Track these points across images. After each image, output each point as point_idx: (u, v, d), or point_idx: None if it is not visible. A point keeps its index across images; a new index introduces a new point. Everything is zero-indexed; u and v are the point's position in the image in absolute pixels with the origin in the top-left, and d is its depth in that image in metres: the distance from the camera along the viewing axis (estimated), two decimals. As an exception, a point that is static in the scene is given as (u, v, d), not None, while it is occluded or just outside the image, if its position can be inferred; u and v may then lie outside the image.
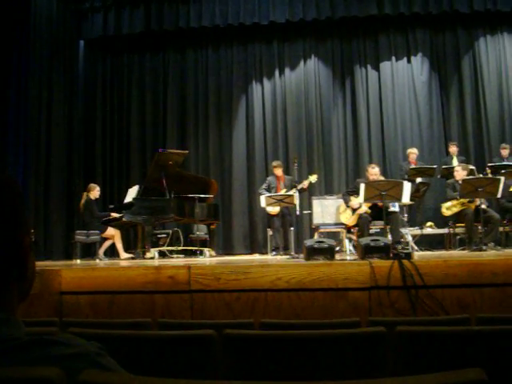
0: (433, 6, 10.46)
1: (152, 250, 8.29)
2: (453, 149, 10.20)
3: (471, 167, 9.02)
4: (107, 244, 8.98)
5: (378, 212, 7.57)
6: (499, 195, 7.23)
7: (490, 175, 8.58)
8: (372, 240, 5.29)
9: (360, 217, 7.82)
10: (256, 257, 9.64)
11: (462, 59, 11.30)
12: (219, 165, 11.50)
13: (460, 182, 7.69)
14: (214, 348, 2.23)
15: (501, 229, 8.13)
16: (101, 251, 8.83)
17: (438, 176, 9.85)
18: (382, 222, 7.64)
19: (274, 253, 8.95)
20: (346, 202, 8.07)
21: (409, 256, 4.71)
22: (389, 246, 5.18)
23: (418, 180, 9.39)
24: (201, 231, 9.94)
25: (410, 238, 8.55)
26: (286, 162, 11.00)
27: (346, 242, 8.63)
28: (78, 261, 8.38)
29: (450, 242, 8.82)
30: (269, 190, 9.30)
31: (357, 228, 8.01)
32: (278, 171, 9.39)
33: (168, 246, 9.74)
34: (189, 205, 8.49)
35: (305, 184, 8.89)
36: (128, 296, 4.65)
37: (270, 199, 8.44)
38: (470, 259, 4.61)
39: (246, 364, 2.22)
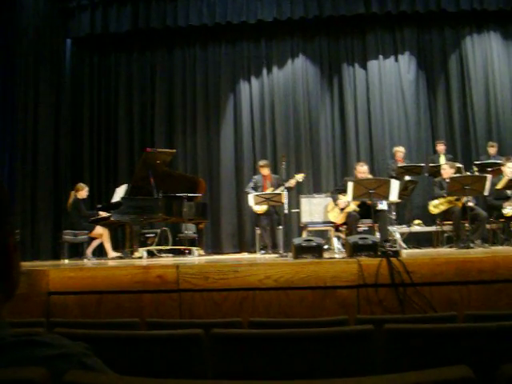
0: (420, 5, 10.49)
1: (140, 249, 8.26)
2: (440, 147, 10.24)
3: (458, 165, 9.07)
4: (95, 244, 8.94)
5: (366, 210, 7.60)
6: (486, 193, 7.28)
7: (476, 173, 8.64)
8: (360, 238, 5.30)
9: (348, 215, 7.84)
10: (244, 256, 9.63)
11: (449, 58, 11.36)
12: (207, 163, 11.48)
13: (447, 180, 7.73)
14: (202, 347, 2.23)
15: (488, 226, 8.18)
16: (89, 251, 8.79)
17: (426, 174, 9.89)
18: (370, 220, 7.68)
19: (262, 251, 8.94)
20: (335, 201, 8.09)
21: (397, 254, 4.73)
22: (377, 244, 5.19)
23: (406, 178, 9.42)
24: (189, 230, 9.92)
25: (398, 236, 8.59)
26: (274, 161, 11.01)
27: (335, 240, 8.64)
28: (66, 261, 8.33)
29: (437, 240, 8.86)
30: (255, 188, 9.29)
31: (345, 226, 8.03)
32: (265, 170, 9.38)
33: (156, 245, 9.71)
34: (177, 204, 8.47)
35: (291, 183, 8.88)
36: (116, 296, 4.63)
37: (258, 198, 8.43)
38: (457, 257, 4.64)
39: (234, 363, 2.21)
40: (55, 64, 10.70)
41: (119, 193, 8.66)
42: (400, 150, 10.02)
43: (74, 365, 0.96)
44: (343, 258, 5.40)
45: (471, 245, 7.05)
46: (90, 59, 11.80)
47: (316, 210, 8.84)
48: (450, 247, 7.95)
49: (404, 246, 8.48)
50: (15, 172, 9.76)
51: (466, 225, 7.59)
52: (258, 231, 9.32)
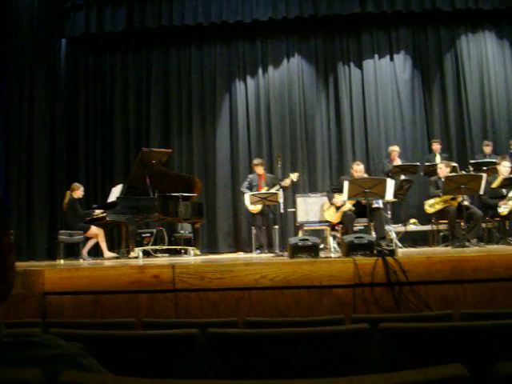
0: (415, 4, 10.51)
1: (136, 249, 8.25)
2: (436, 146, 10.26)
3: (454, 164, 9.09)
4: (91, 244, 8.92)
5: (362, 209, 7.61)
6: (481, 192, 7.30)
7: (472, 172, 8.66)
8: (356, 237, 5.30)
9: (344, 214, 7.85)
10: (240, 255, 9.63)
11: (444, 57, 11.38)
12: (203, 163, 11.48)
13: (443, 179, 7.75)
14: (198, 347, 2.23)
15: (483, 225, 8.19)
16: (84, 251, 8.77)
17: (421, 173, 9.91)
18: (366, 220, 7.68)
19: (258, 251, 8.94)
20: (330, 200, 8.09)
21: (392, 253, 4.73)
22: (373, 244, 5.20)
23: (402, 177, 9.43)
24: (185, 230, 9.91)
25: (393, 235, 8.60)
26: (270, 160, 11.02)
27: (331, 239, 8.65)
28: (62, 261, 8.31)
29: (433, 239, 8.88)
30: (250, 188, 9.30)
31: (341, 225, 8.04)
32: (259, 169, 9.37)
33: (152, 245, 9.70)
34: (173, 204, 8.47)
35: (286, 182, 8.89)
36: (112, 296, 4.62)
37: (254, 197, 8.43)
38: (452, 256, 4.64)
39: (230, 363, 2.21)
40: (50, 64, 10.67)
41: (115, 192, 8.65)
42: (395, 150, 10.04)
43: (69, 365, 0.96)
44: (339, 257, 5.40)
45: (466, 244, 7.06)
46: (85, 59, 11.77)
47: (312, 209, 8.84)
48: (446, 246, 7.97)
49: (400, 245, 8.49)
50: (10, 172, 9.73)
51: (462, 224, 7.61)
52: (254, 231, 9.32)
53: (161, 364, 2.22)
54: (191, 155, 11.51)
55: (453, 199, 7.69)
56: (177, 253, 9.23)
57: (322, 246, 7.87)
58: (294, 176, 9.04)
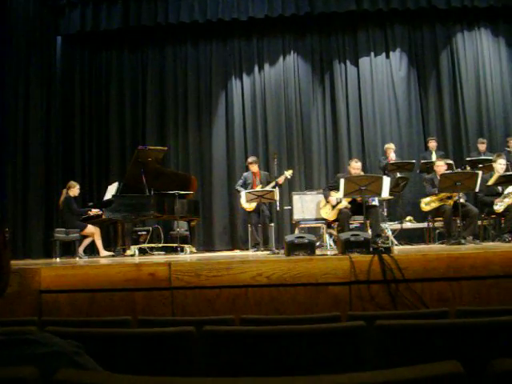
0: (411, 2, 10.53)
1: (132, 247, 8.25)
2: (432, 144, 10.28)
3: (449, 162, 9.10)
4: (87, 242, 8.91)
5: (358, 207, 7.61)
6: (477, 189, 7.31)
7: (468, 169, 8.67)
8: (352, 235, 5.30)
9: (340, 211, 7.85)
10: (237, 253, 9.64)
11: (440, 55, 11.40)
12: (199, 161, 11.48)
13: (439, 176, 7.76)
14: (194, 345, 2.23)
15: (479, 222, 8.21)
16: (80, 249, 8.76)
17: (417, 171, 9.93)
18: (362, 217, 7.69)
19: (254, 249, 8.95)
20: (326, 197, 8.10)
21: (388, 250, 4.73)
22: (369, 241, 5.20)
23: (397, 175, 9.45)
24: (181, 228, 9.90)
25: (389, 233, 8.61)
26: (266, 158, 11.03)
27: (327, 237, 8.66)
28: (58, 259, 8.30)
29: (429, 236, 8.89)
30: (245, 186, 9.31)
31: (337, 223, 8.05)
32: (254, 167, 9.38)
33: (148, 243, 9.70)
34: (169, 201, 8.47)
35: (280, 179, 8.89)
36: (108, 294, 4.62)
37: (250, 195, 8.43)
38: (449, 253, 4.64)
39: (226, 360, 2.21)
40: (45, 62, 10.65)
41: (111, 191, 8.64)
42: (391, 147, 10.06)
43: (65, 363, 0.96)
44: (335, 254, 5.40)
45: (462, 241, 7.08)
46: (81, 57, 11.75)
47: (308, 206, 8.85)
48: (442, 243, 7.98)
49: (396, 242, 8.50)
50: (6, 170, 9.71)
51: (458, 221, 7.62)
52: (250, 228, 9.33)
53: (157, 362, 2.22)
54: (187, 153, 11.51)
55: (449, 198, 7.71)
56: (173, 251, 9.23)
57: (318, 243, 7.89)
58: (289, 173, 9.05)
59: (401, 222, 9.29)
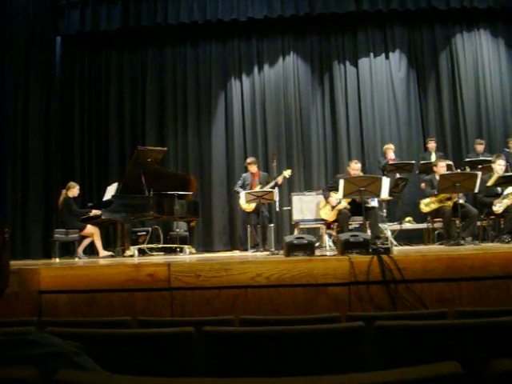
0: (410, 3, 10.54)
1: (131, 247, 8.25)
2: (431, 144, 10.28)
3: (449, 162, 9.10)
4: (86, 242, 8.91)
5: (357, 207, 7.61)
6: (476, 190, 7.31)
7: (468, 170, 8.68)
8: (351, 235, 5.30)
9: (340, 212, 7.85)
10: (236, 253, 9.63)
11: (440, 55, 11.40)
12: (198, 161, 11.47)
13: (438, 177, 7.77)
14: (194, 345, 2.23)
15: (478, 223, 8.21)
16: (80, 249, 8.76)
17: (417, 172, 9.93)
18: (361, 218, 7.69)
19: (253, 249, 8.95)
20: (326, 198, 8.10)
21: (388, 251, 4.73)
22: (368, 242, 5.20)
23: (397, 175, 9.45)
24: (180, 228, 9.90)
25: (389, 233, 8.61)
26: (265, 159, 11.03)
27: (326, 237, 8.67)
28: (57, 259, 8.30)
29: (428, 237, 8.90)
30: (243, 186, 9.32)
31: (336, 224, 8.04)
32: (253, 168, 9.38)
33: (148, 243, 9.69)
34: (168, 202, 8.47)
35: (279, 179, 8.89)
36: (108, 294, 4.62)
37: (249, 196, 8.43)
38: (448, 254, 4.65)
39: (225, 361, 2.21)
40: (45, 62, 10.65)
41: (110, 191, 8.64)
42: (390, 147, 10.06)
43: (64, 364, 0.96)
44: (334, 255, 5.40)
45: (461, 242, 7.08)
46: (81, 57, 11.75)
47: (307, 207, 8.85)
48: (441, 244, 7.98)
49: (395, 243, 8.50)
50: (6, 170, 9.70)
51: (457, 222, 7.63)
52: (249, 229, 9.33)
53: (156, 362, 2.22)
54: (186, 154, 11.51)
55: (448, 199, 7.71)
56: (172, 251, 9.23)
57: (317, 244, 7.89)
58: (287, 172, 9.06)
59: (400, 223, 9.30)
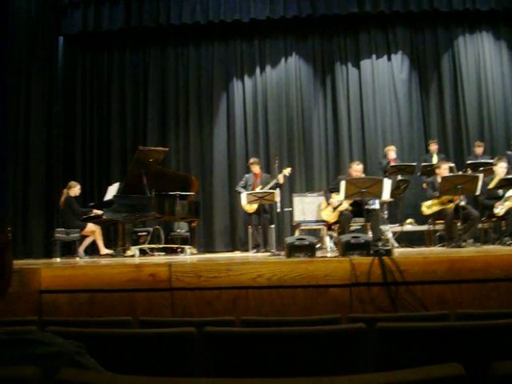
0: (413, 5, 10.54)
1: (132, 247, 8.25)
2: (433, 147, 10.27)
3: (451, 164, 9.09)
4: (87, 242, 8.91)
5: (358, 209, 7.61)
6: (478, 192, 7.31)
7: (470, 172, 8.67)
8: (352, 237, 5.30)
9: (341, 214, 7.84)
10: (237, 254, 9.64)
11: (442, 58, 11.40)
12: (200, 162, 11.47)
13: (439, 179, 7.76)
14: (195, 346, 2.23)
15: (479, 225, 8.21)
16: (81, 249, 8.76)
17: (418, 173, 9.92)
18: (362, 219, 7.69)
19: (254, 250, 8.94)
20: (327, 200, 8.09)
21: (389, 253, 4.73)
22: (369, 243, 5.19)
23: (398, 177, 9.44)
24: (182, 229, 9.91)
25: (390, 235, 8.60)
26: (267, 159, 11.03)
27: (327, 239, 8.66)
28: (58, 259, 8.30)
29: (429, 239, 8.89)
30: (245, 187, 9.32)
31: (338, 225, 8.04)
32: (255, 168, 9.39)
33: (149, 243, 9.70)
34: (169, 202, 8.46)
35: (279, 178, 8.89)
36: (108, 294, 4.62)
37: (250, 196, 8.43)
38: (449, 256, 4.65)
39: (226, 361, 2.21)
40: (47, 62, 10.65)
41: (112, 191, 8.64)
42: (391, 149, 10.05)
43: (66, 363, 0.96)
44: (336, 256, 5.40)
45: (463, 244, 7.08)
46: (83, 57, 11.76)
47: (309, 208, 8.85)
48: (442, 246, 7.98)
49: (396, 244, 8.50)
50: (7, 169, 9.71)
51: (459, 224, 7.62)
52: (250, 230, 9.33)
53: (157, 362, 2.22)
54: (188, 154, 11.50)
55: (450, 201, 7.71)
56: (173, 251, 9.24)
57: (318, 245, 7.88)
58: (287, 171, 9.05)
59: (401, 225, 9.28)
